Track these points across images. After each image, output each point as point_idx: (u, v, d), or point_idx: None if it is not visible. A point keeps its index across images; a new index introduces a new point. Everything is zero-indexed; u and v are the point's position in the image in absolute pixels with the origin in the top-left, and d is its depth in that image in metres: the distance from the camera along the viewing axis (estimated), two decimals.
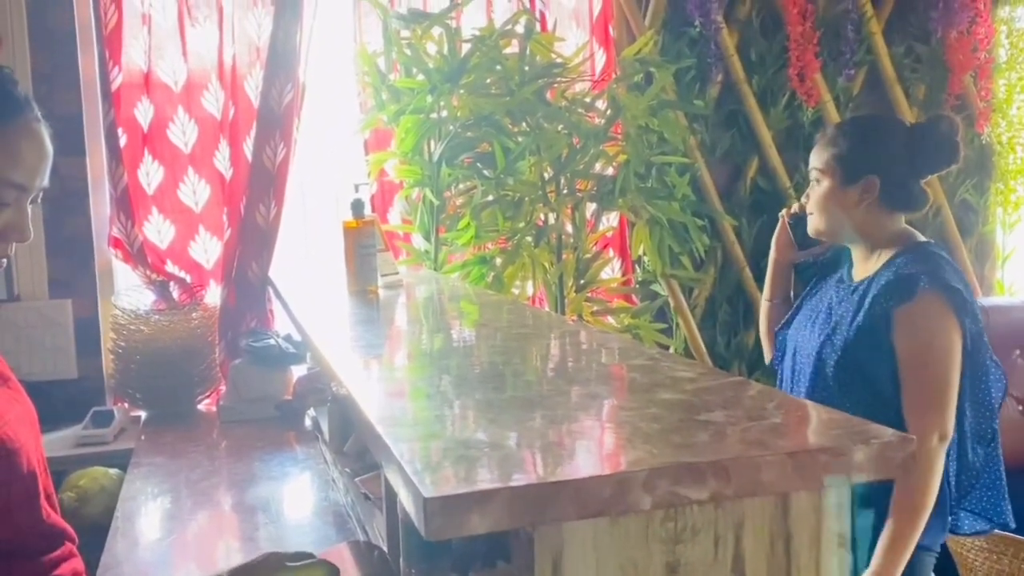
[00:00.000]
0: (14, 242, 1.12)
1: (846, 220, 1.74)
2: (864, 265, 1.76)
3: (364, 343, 1.58)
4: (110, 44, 2.60)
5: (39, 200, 1.14)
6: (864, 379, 1.66)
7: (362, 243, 2.04)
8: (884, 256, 1.72)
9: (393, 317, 1.86)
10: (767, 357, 2.02)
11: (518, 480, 0.73)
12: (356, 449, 1.92)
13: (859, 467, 0.80)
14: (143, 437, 2.44)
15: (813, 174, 1.79)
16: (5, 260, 1.13)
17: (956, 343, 1.62)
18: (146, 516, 1.88)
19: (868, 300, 1.66)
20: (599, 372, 1.20)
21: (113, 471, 2.30)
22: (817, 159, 1.77)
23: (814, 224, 1.79)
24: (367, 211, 2.09)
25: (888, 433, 0.83)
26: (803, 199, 1.86)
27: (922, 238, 1.74)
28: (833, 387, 1.68)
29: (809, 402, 0.97)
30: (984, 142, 3.45)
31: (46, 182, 1.13)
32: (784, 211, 1.96)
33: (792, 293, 2.00)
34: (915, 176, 1.73)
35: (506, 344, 1.42)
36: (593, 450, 0.83)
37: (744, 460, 0.78)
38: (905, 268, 1.65)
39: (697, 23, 3.08)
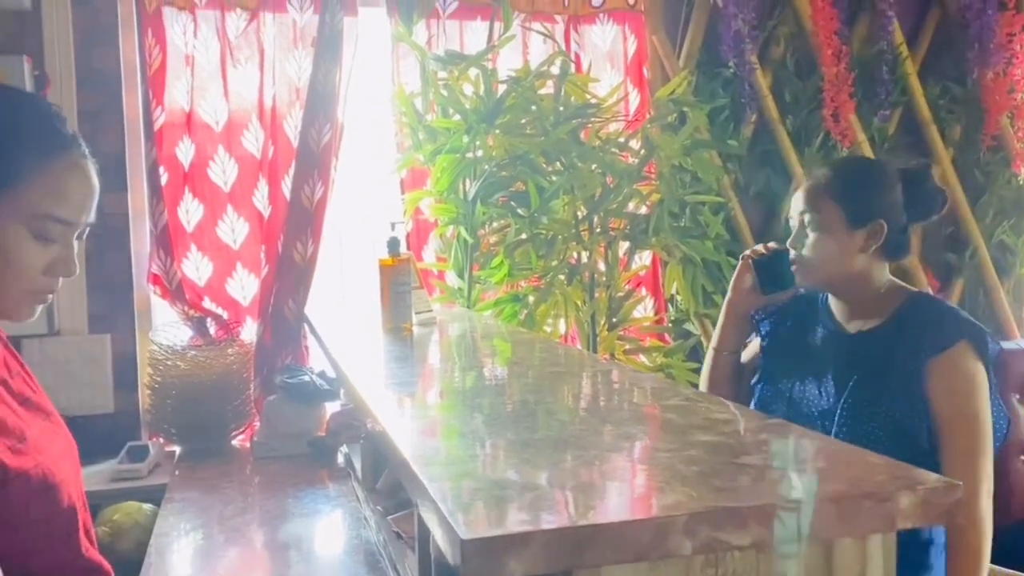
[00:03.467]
0: (60, 277, 1.13)
1: (843, 267, 1.67)
2: (857, 315, 1.70)
3: (398, 381, 1.58)
4: (154, 84, 2.66)
5: (84, 236, 1.16)
6: (902, 433, 1.57)
7: (397, 281, 2.05)
8: (886, 305, 1.67)
9: (427, 355, 1.86)
10: None
11: (556, 523, 0.73)
12: (388, 487, 1.92)
13: (904, 514, 0.79)
14: (177, 472, 2.45)
15: (806, 218, 1.69)
16: (51, 296, 1.14)
17: (987, 391, 1.58)
18: (179, 552, 1.88)
19: (900, 351, 1.60)
20: (633, 412, 1.20)
21: (147, 506, 2.31)
22: (810, 202, 1.69)
23: (810, 273, 1.70)
24: (403, 249, 2.10)
25: (933, 479, 0.82)
26: (772, 244, 1.81)
27: (911, 287, 1.72)
28: (864, 443, 1.52)
29: (851, 446, 0.95)
30: (1022, 183, 3.41)
31: (92, 218, 1.14)
32: (748, 252, 1.86)
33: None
34: (910, 223, 1.70)
35: (539, 383, 1.42)
36: (631, 493, 0.82)
37: (787, 506, 0.76)
38: (930, 316, 1.62)
39: (731, 64, 3.09)
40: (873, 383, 1.61)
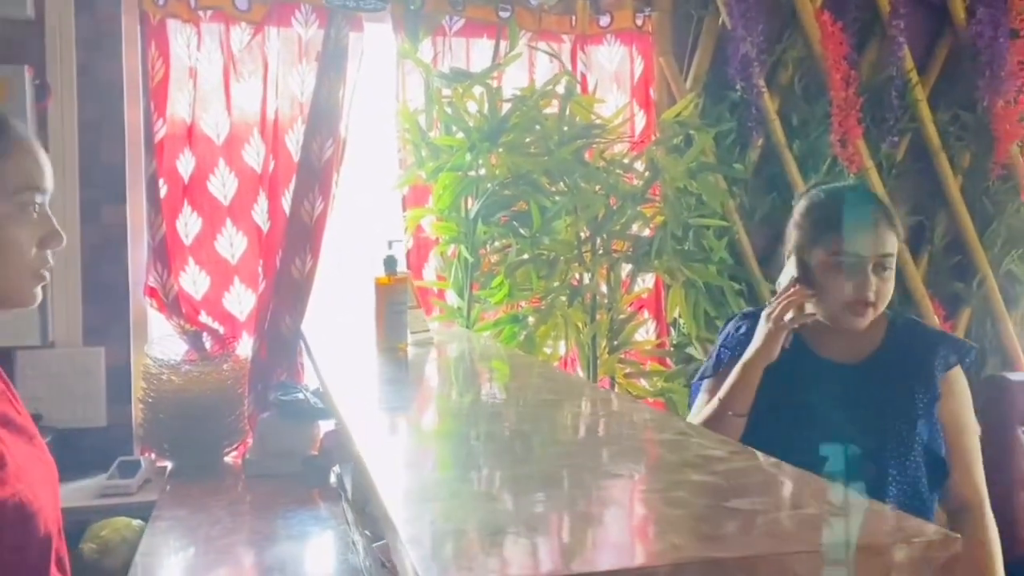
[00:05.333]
0: (51, 249, 1.17)
1: None
2: (846, 346, 1.66)
3: (386, 404, 1.55)
4: (156, 96, 2.64)
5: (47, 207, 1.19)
6: (933, 456, 1.62)
7: (393, 300, 2.02)
8: (872, 333, 1.66)
9: (419, 377, 1.83)
10: None
11: (527, 571, 0.69)
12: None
13: (900, 568, 0.75)
14: (168, 488, 2.43)
15: (887, 260, 1.60)
16: (48, 274, 1.18)
17: None
18: (164, 572, 1.85)
19: (913, 375, 1.62)
20: (625, 447, 1.16)
21: (136, 522, 2.28)
22: (891, 244, 1.61)
23: (874, 314, 1.62)
24: (400, 268, 2.07)
25: (931, 530, 0.78)
26: (790, 283, 1.65)
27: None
28: (912, 473, 1.61)
29: (845, 490, 0.91)
30: None
31: (52, 185, 1.20)
32: (789, 318, 1.62)
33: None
34: None
35: (530, 411, 1.38)
36: (612, 539, 0.79)
37: (774, 558, 0.73)
38: (927, 338, 1.68)
39: (738, 87, 3.07)
40: (902, 412, 1.62)
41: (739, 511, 0.84)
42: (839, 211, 1.63)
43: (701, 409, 1.74)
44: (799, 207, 1.73)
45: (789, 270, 1.69)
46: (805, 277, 1.65)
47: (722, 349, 1.78)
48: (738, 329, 1.78)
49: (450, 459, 1.12)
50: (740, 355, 1.68)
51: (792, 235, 1.72)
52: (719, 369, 1.75)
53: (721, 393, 1.67)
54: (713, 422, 1.65)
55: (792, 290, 1.64)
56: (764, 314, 1.66)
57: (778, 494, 0.89)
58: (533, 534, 0.78)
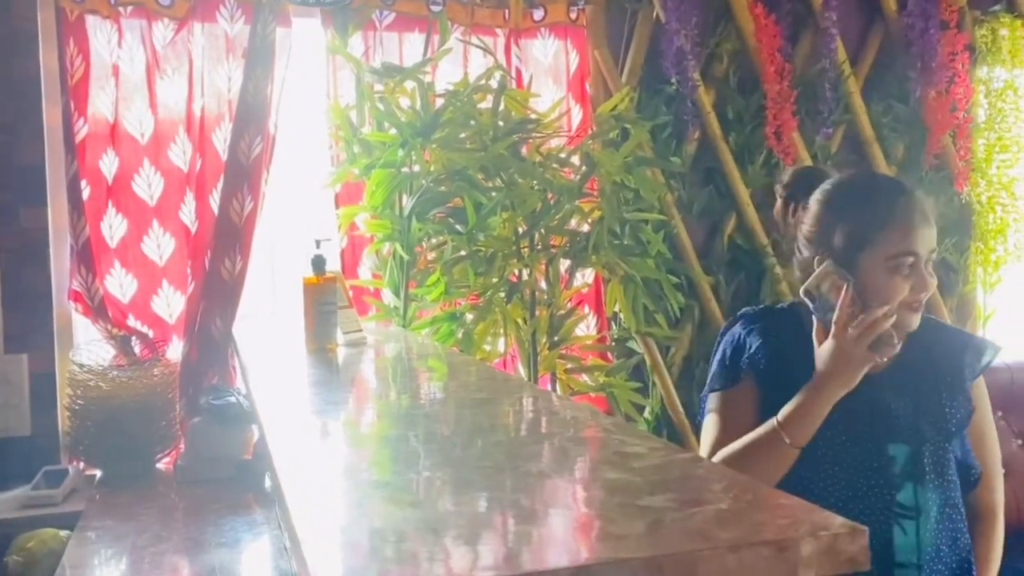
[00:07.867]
0: None
1: None
2: None
3: (309, 408, 1.51)
4: (76, 95, 2.56)
5: None
6: (960, 465, 1.56)
7: (322, 300, 1.98)
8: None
9: (348, 379, 1.80)
10: None
11: None
12: None
13: (806, 562, 0.74)
14: (97, 497, 2.36)
15: (934, 256, 1.50)
16: None
17: None
18: None
19: (946, 380, 1.54)
20: (546, 446, 1.14)
21: (63, 533, 2.21)
22: (933, 239, 1.49)
23: (918, 318, 1.51)
24: (330, 267, 2.03)
25: (838, 523, 0.77)
26: (848, 295, 1.44)
27: None
28: (951, 491, 1.53)
29: (759, 483, 0.90)
30: (963, 201, 3.43)
31: None
32: (880, 321, 1.42)
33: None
34: None
35: (458, 413, 1.36)
36: (520, 542, 0.76)
37: (680, 556, 0.71)
38: (954, 340, 1.61)
39: (674, 81, 3.07)
40: (936, 427, 1.52)
41: (650, 508, 0.82)
42: (894, 206, 1.50)
43: (719, 426, 1.57)
44: (833, 203, 1.54)
45: (828, 275, 1.48)
46: (856, 281, 1.47)
47: (743, 359, 1.58)
48: (749, 333, 1.60)
49: (364, 463, 1.09)
50: (765, 368, 1.55)
51: (825, 235, 1.53)
52: (738, 381, 1.58)
53: (780, 416, 1.47)
54: (763, 448, 1.47)
55: (880, 312, 1.42)
56: (839, 333, 1.43)
57: (691, 491, 0.88)
58: (433, 539, 0.76)
